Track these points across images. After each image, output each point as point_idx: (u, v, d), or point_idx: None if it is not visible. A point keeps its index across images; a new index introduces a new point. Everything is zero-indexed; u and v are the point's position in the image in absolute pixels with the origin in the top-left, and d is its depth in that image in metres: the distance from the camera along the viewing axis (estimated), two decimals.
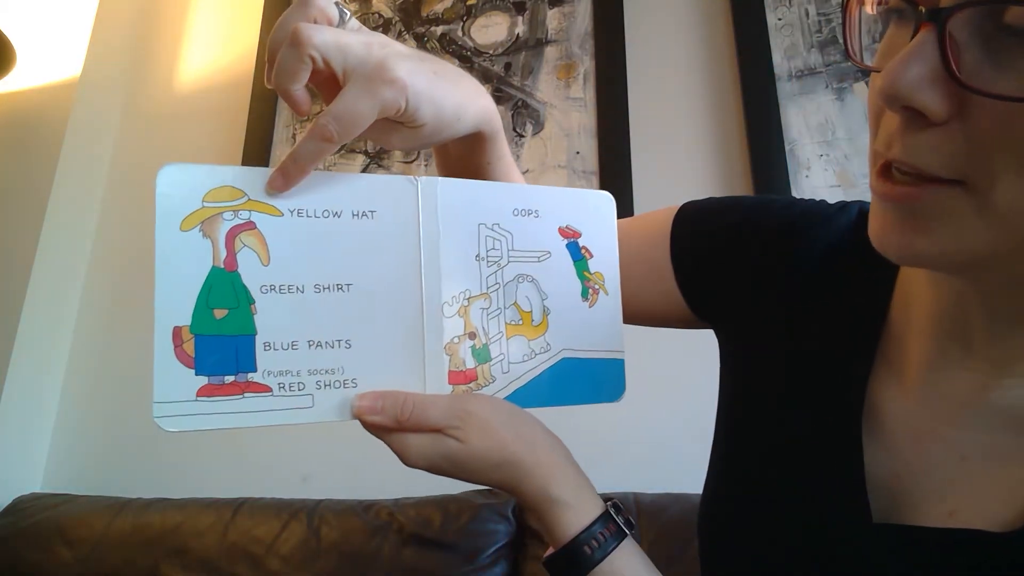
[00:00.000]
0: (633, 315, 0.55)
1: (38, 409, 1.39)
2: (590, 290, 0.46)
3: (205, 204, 0.37)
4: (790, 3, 1.24)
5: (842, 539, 0.37)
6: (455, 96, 0.39)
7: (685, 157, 1.23)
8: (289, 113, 1.46)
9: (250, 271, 0.37)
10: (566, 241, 0.45)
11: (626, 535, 0.40)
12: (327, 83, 0.37)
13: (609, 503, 0.41)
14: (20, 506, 1.22)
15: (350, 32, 0.36)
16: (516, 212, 0.44)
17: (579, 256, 0.46)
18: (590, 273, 0.46)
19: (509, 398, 0.43)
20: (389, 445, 0.39)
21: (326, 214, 0.39)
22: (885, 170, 0.31)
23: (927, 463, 0.36)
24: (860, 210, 0.46)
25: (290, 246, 0.38)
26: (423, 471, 0.40)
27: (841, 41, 0.35)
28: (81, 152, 1.50)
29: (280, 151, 1.43)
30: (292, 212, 0.38)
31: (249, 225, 0.37)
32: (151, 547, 1.08)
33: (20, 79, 1.50)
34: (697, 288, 0.52)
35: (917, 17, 0.28)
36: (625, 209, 1.19)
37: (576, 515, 0.39)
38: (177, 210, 0.36)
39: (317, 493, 1.14)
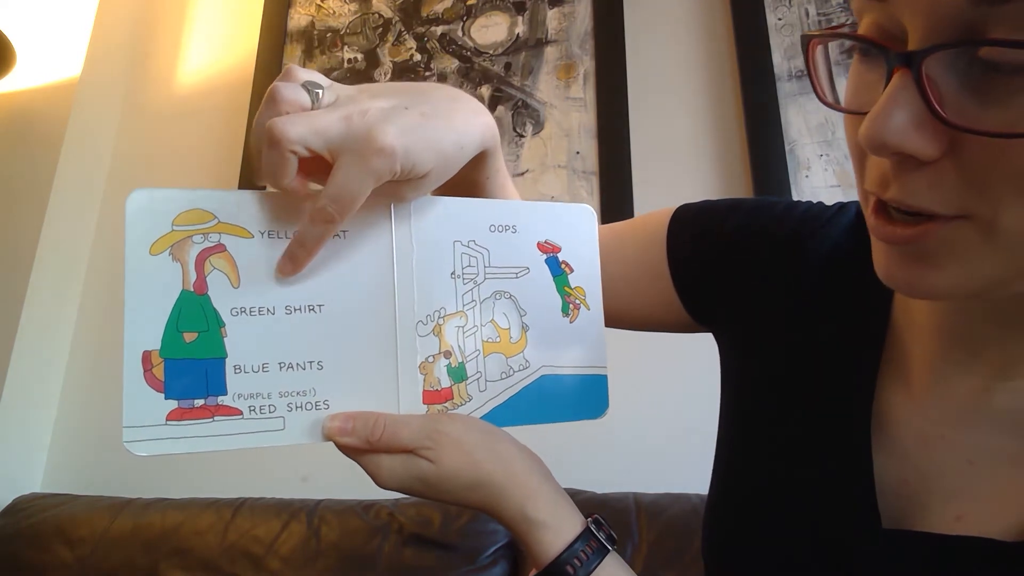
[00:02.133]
0: (629, 320, 0.55)
1: (38, 409, 1.39)
2: (571, 305, 0.45)
3: (175, 228, 0.37)
4: (790, 3, 1.24)
5: (853, 545, 0.37)
6: (453, 130, 0.38)
7: (685, 157, 1.23)
8: None
9: (220, 294, 0.37)
10: (545, 256, 0.45)
11: (608, 551, 0.40)
12: (319, 163, 0.36)
13: (590, 519, 0.41)
14: (20, 506, 1.22)
15: (325, 112, 0.35)
16: (493, 228, 0.43)
17: (559, 271, 0.45)
18: (571, 288, 0.45)
19: (486, 417, 0.42)
20: (362, 467, 0.39)
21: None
22: (882, 209, 0.31)
23: (935, 468, 0.36)
24: (858, 211, 0.46)
25: (261, 268, 0.38)
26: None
27: (810, 84, 0.33)
28: (81, 152, 1.50)
29: None
30: (263, 234, 0.38)
31: (219, 247, 0.37)
32: (151, 547, 1.08)
33: (20, 79, 1.50)
34: (695, 292, 0.51)
35: (889, 61, 0.27)
36: (625, 209, 1.19)
37: (556, 535, 0.39)
38: (147, 234, 0.36)
39: (317, 493, 1.14)
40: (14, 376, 1.33)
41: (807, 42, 0.32)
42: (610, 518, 1.09)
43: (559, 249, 0.45)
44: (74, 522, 1.14)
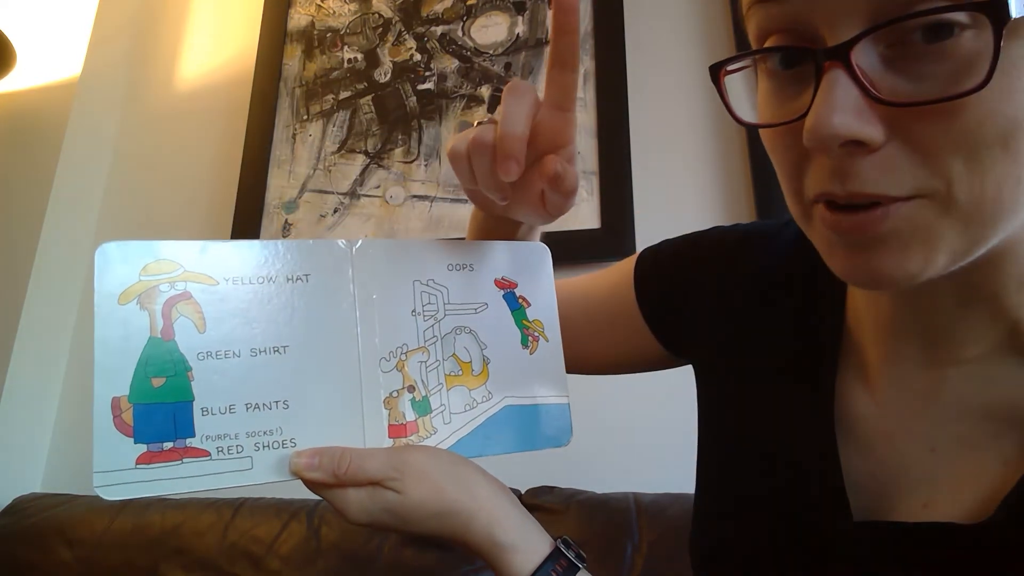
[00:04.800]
0: (610, 365, 0.58)
1: (38, 409, 1.39)
2: (530, 338, 0.47)
3: (142, 278, 0.38)
4: None
5: (827, 541, 0.38)
6: None
7: (685, 157, 1.22)
8: (289, 112, 1.46)
9: (187, 339, 0.38)
10: (503, 292, 0.47)
11: (579, 569, 0.40)
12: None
13: (558, 539, 0.41)
14: (20, 506, 1.22)
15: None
16: (451, 267, 0.45)
17: (516, 305, 0.47)
18: (529, 321, 0.47)
19: (452, 448, 0.43)
20: (330, 503, 0.39)
21: (260, 280, 0.40)
22: (834, 207, 0.31)
23: (900, 460, 0.37)
24: None
25: (226, 313, 0.39)
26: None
27: (726, 111, 0.34)
28: (81, 152, 1.50)
29: (280, 151, 1.43)
30: (227, 280, 0.40)
31: (185, 295, 0.39)
32: (151, 547, 1.08)
33: (20, 79, 1.50)
34: (666, 322, 0.53)
35: (818, 59, 0.28)
36: (625, 209, 1.19)
37: (525, 556, 0.39)
38: (115, 285, 0.37)
39: None
40: (14, 376, 1.33)
41: (717, 71, 0.33)
42: (610, 518, 1.08)
43: (516, 284, 0.47)
44: (74, 522, 1.14)
